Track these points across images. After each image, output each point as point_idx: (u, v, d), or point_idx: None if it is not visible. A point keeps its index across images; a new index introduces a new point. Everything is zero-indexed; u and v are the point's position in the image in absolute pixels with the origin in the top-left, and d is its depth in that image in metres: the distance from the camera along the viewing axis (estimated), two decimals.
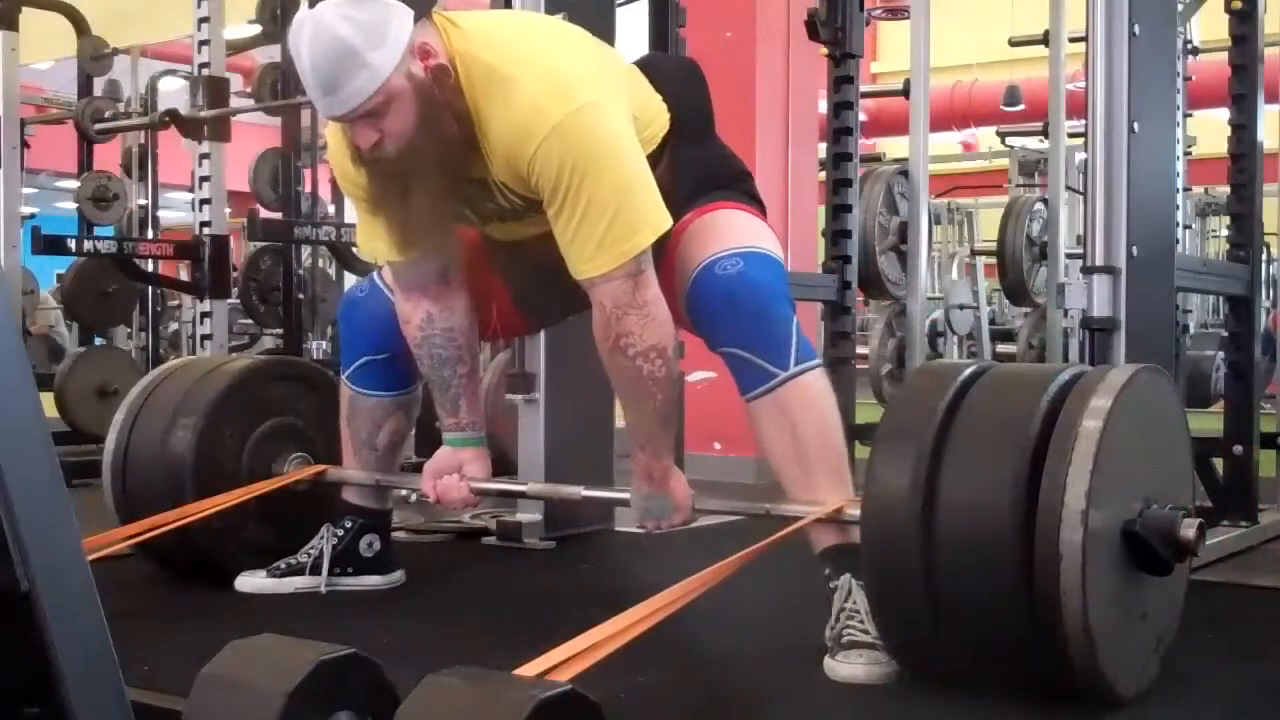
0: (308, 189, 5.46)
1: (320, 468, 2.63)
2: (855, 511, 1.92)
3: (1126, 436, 1.77)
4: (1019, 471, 1.73)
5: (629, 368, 2.06)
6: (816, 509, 2.03)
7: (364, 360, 2.45)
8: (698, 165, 2.23)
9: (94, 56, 5.97)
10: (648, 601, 1.67)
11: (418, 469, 2.57)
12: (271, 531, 2.63)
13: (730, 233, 2.14)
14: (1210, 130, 4.85)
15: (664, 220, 2.04)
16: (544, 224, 2.12)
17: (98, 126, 5.98)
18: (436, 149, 2.04)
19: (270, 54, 5.70)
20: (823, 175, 4.14)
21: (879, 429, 1.88)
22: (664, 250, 2.13)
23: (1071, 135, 5.23)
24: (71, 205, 6.38)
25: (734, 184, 2.28)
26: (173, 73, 6.97)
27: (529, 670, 1.41)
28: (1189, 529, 1.77)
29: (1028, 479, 1.72)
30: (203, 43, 4.77)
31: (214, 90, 4.75)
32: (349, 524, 2.53)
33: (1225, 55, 3.38)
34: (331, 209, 5.87)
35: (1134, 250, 2.51)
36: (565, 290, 2.16)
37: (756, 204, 2.29)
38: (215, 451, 2.59)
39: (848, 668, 1.89)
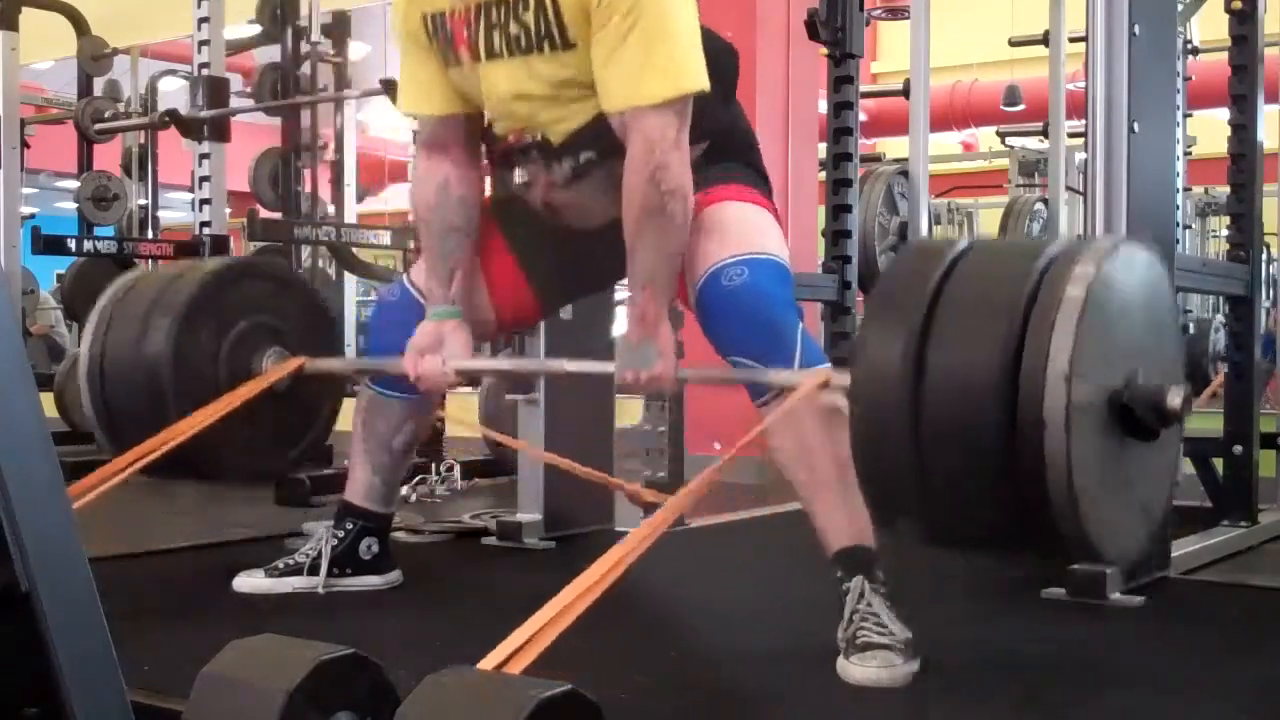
0: (308, 189, 5.47)
1: (298, 361, 2.63)
2: (844, 380, 1.94)
3: (1112, 305, 1.78)
4: (1008, 340, 1.73)
5: (658, 202, 2.05)
6: (806, 375, 2.03)
7: None
8: (719, 117, 2.22)
9: (94, 56, 5.97)
10: (594, 566, 1.65)
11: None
12: (252, 430, 2.61)
13: (737, 235, 2.14)
14: (1210, 130, 4.86)
15: (705, 79, 2.05)
16: (546, 72, 2.12)
17: (98, 126, 5.99)
18: None
19: (270, 54, 5.70)
20: (823, 175, 4.14)
21: (870, 299, 1.88)
22: None
23: (1071, 135, 5.23)
24: (71, 205, 6.38)
25: (744, 155, 2.28)
26: (173, 73, 6.98)
27: (487, 664, 1.41)
28: (1175, 397, 1.79)
29: (1016, 348, 1.73)
30: (203, 43, 4.77)
31: (214, 90, 4.75)
32: (350, 526, 2.52)
33: (1225, 55, 3.38)
34: (331, 209, 5.87)
35: None
36: (579, 259, 2.19)
37: (764, 181, 2.29)
38: (192, 354, 2.56)
39: (862, 670, 1.88)
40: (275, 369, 2.60)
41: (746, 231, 2.15)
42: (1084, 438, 1.71)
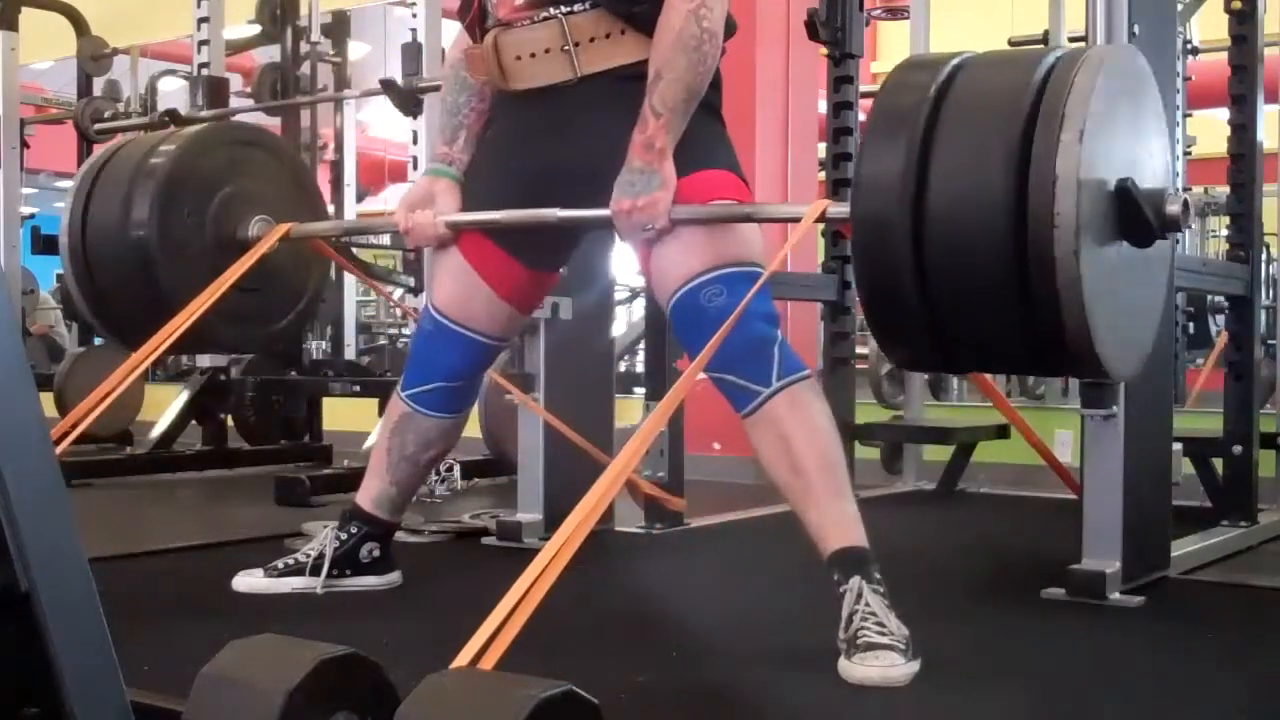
0: None
1: (285, 226, 2.65)
2: (841, 210, 1.96)
3: (1113, 110, 1.81)
4: (1013, 145, 1.75)
5: (694, 34, 2.09)
6: (805, 208, 2.06)
7: (437, 385, 2.45)
8: (712, 102, 2.22)
9: (94, 56, 5.97)
10: (555, 537, 1.64)
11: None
12: (237, 293, 2.64)
13: (715, 243, 2.13)
14: (1210, 130, 4.86)
15: None
16: None
17: (98, 126, 5.98)
18: None
19: (270, 54, 5.70)
20: (823, 175, 4.13)
21: (869, 122, 1.90)
22: None
23: None
24: None
25: (725, 147, 2.27)
26: (173, 73, 6.98)
27: (461, 660, 1.42)
28: (1174, 204, 1.85)
29: (1022, 153, 1.75)
30: (202, 43, 4.78)
31: (214, 90, 4.75)
32: (354, 530, 2.52)
33: (1225, 55, 3.38)
34: (331, 209, 5.87)
35: None
36: (538, 199, 2.23)
37: (740, 176, 2.27)
38: (178, 221, 2.60)
39: (864, 670, 1.88)
40: (265, 236, 2.60)
41: (724, 240, 2.14)
42: (1091, 242, 1.72)
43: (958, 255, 1.74)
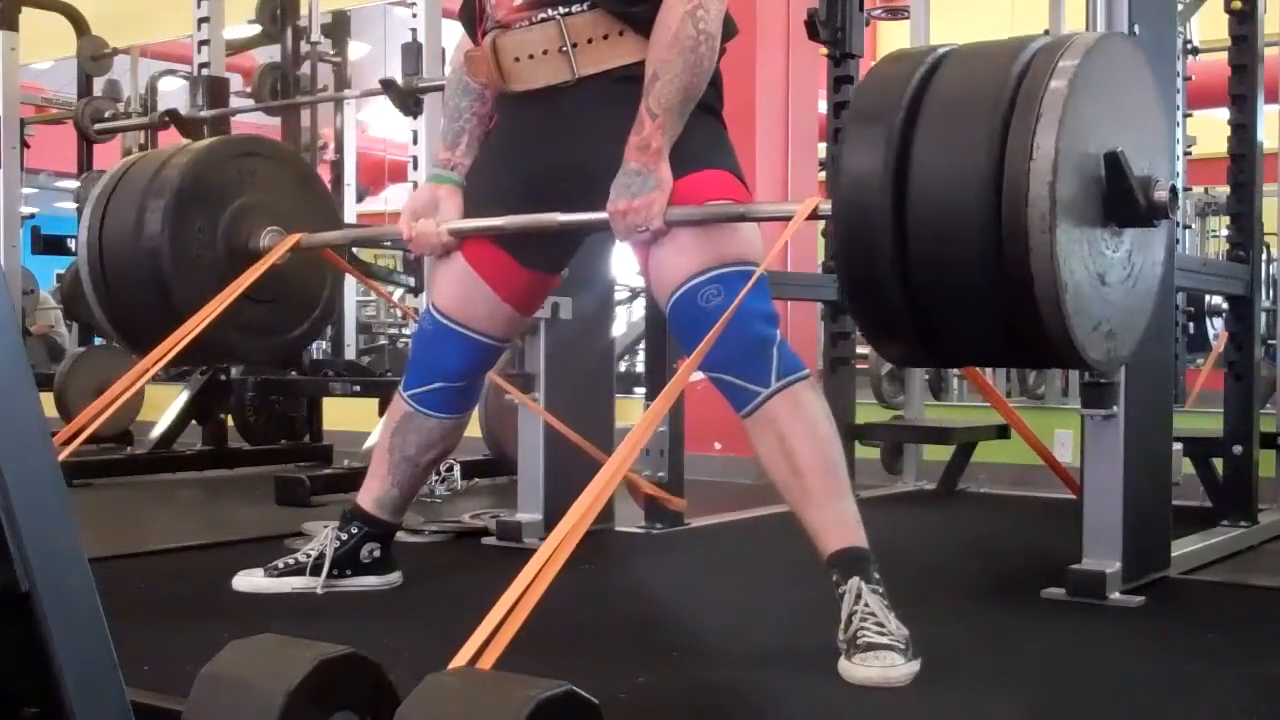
0: None
1: (295, 237, 2.69)
2: (829, 206, 1.97)
3: (1099, 91, 1.78)
4: (990, 142, 1.73)
5: (690, 36, 2.09)
6: (798, 206, 2.07)
7: (439, 386, 2.45)
8: (711, 103, 2.22)
9: (94, 56, 5.96)
10: (553, 534, 1.64)
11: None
12: (253, 304, 2.68)
13: (715, 243, 2.13)
14: (1210, 130, 4.85)
15: None
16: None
17: (98, 126, 5.98)
18: None
19: (270, 54, 5.70)
20: (823, 175, 4.13)
21: (847, 115, 1.88)
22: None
23: None
24: (71, 205, 6.36)
25: (723, 148, 2.27)
26: (173, 73, 6.97)
27: (460, 660, 1.42)
28: (1162, 190, 1.83)
29: (1000, 141, 1.73)
30: (202, 43, 4.78)
31: (214, 90, 4.75)
32: (355, 530, 2.51)
33: (1225, 55, 3.38)
34: None
35: None
36: (538, 204, 2.23)
37: (738, 177, 2.26)
38: (189, 235, 2.64)
39: (864, 670, 1.88)
40: (274, 247, 2.63)
41: (722, 240, 2.14)
42: (1069, 236, 1.71)
43: (939, 240, 1.71)
